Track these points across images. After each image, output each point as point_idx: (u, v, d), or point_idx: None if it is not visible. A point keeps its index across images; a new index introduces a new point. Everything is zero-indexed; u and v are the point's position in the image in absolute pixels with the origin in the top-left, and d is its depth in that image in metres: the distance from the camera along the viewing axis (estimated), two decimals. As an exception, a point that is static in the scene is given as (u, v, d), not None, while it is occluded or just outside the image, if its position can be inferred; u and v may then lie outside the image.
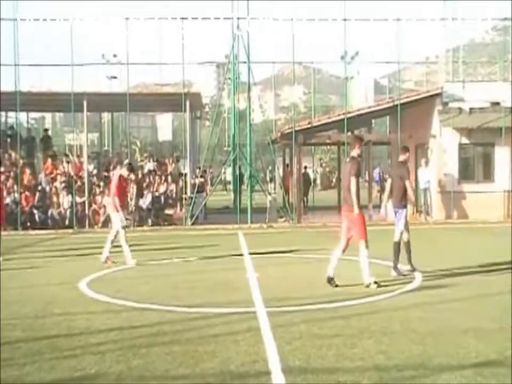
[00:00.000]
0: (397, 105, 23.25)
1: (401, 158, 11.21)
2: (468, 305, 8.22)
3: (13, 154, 23.97)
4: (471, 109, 23.44)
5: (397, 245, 10.71)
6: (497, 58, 28.24)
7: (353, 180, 9.44)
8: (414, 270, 10.58)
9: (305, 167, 35.26)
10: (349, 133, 24.27)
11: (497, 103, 23.46)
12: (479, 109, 23.43)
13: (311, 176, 36.48)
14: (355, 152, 9.78)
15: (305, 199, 29.59)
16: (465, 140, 23.15)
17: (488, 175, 22.75)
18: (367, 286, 9.42)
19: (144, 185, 23.10)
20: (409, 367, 5.58)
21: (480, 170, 23.13)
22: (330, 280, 9.58)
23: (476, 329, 6.89)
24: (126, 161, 16.18)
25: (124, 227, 12.67)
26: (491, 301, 8.46)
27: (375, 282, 9.43)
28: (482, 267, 11.14)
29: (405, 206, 10.82)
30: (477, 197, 21.57)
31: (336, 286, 9.51)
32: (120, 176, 12.88)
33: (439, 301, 8.42)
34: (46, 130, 30.31)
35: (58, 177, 23.14)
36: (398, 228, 10.75)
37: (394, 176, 11.01)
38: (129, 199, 13.74)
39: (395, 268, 10.57)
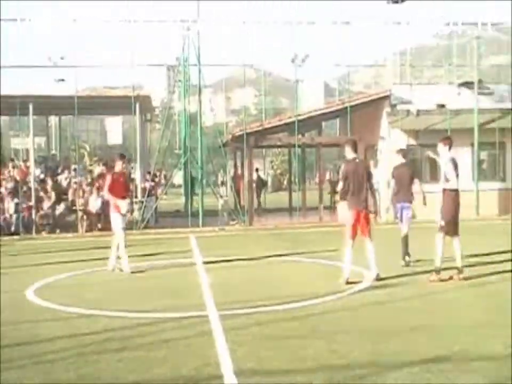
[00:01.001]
0: (346, 108, 23.56)
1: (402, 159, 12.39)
2: (416, 304, 8.37)
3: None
4: (418, 111, 23.94)
5: (406, 238, 11.92)
6: (443, 62, 28.90)
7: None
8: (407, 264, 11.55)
9: (257, 170, 35.35)
10: (300, 135, 24.48)
11: (443, 106, 24.01)
12: (426, 111, 23.94)
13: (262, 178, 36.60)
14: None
15: (258, 201, 29.69)
16: (412, 141, 23.60)
17: (434, 176, 23.18)
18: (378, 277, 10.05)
19: (94, 189, 22.82)
20: (360, 365, 5.65)
21: (427, 171, 23.61)
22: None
23: (424, 327, 7.03)
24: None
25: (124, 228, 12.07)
26: (438, 299, 8.65)
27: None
28: (431, 265, 11.35)
29: (411, 202, 12.12)
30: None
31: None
32: (113, 174, 12.29)
33: (388, 300, 8.56)
34: None
35: (4, 182, 22.63)
36: (407, 222, 12.16)
37: (401, 175, 12.17)
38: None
39: (403, 258, 11.66)
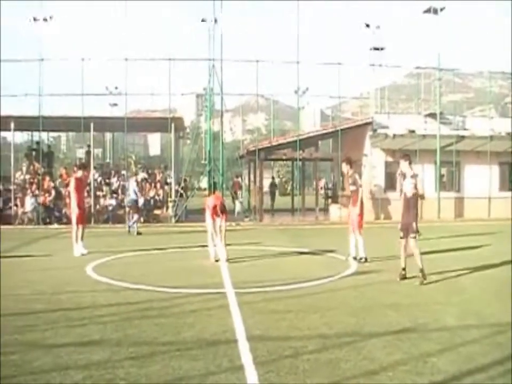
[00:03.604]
0: (338, 130, 23.54)
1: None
2: (389, 286, 8.36)
3: (36, 165, 23.70)
4: (394, 134, 23.91)
5: None
6: (413, 97, 28.89)
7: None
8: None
9: (273, 178, 35.22)
10: (301, 151, 24.48)
11: (413, 131, 24.00)
12: (400, 135, 23.92)
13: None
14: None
15: (272, 203, 29.60)
16: (389, 158, 23.57)
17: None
18: (366, 259, 10.60)
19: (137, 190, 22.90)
20: (346, 334, 5.67)
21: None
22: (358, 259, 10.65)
23: (395, 304, 7.03)
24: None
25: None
26: (407, 282, 8.61)
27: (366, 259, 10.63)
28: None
29: None
30: (398, 202, 21.87)
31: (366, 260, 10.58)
32: (216, 197, 11.81)
33: (369, 283, 8.55)
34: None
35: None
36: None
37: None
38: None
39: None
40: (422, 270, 8.56)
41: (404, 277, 8.78)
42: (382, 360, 4.82)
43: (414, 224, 8.72)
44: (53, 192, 21.90)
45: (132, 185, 18.15)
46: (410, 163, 9.12)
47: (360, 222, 10.83)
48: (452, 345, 5.27)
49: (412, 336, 5.56)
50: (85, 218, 13.16)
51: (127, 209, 19.26)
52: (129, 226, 17.56)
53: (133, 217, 17.67)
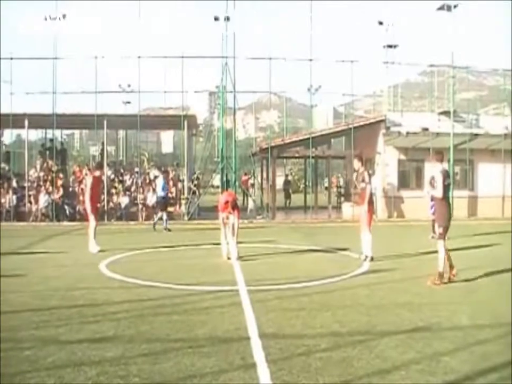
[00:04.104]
0: (350, 128, 23.44)
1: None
2: (402, 285, 8.32)
3: (50, 162, 23.91)
4: (407, 132, 23.75)
5: None
6: (426, 94, 28.67)
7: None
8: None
9: (287, 175, 35.20)
10: (313, 149, 24.43)
11: (426, 129, 23.83)
12: (413, 133, 23.76)
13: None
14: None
15: (288, 201, 29.49)
16: (402, 157, 23.41)
17: (420, 184, 22.99)
18: (372, 258, 10.47)
19: (151, 188, 23.01)
20: (358, 333, 5.65)
21: (414, 180, 23.42)
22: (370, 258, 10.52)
23: (408, 303, 7.00)
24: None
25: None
26: (419, 281, 8.55)
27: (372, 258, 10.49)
28: (415, 255, 11.27)
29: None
30: (411, 201, 21.82)
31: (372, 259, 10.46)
32: (228, 194, 11.76)
33: (381, 282, 8.51)
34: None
35: (84, 180, 22.97)
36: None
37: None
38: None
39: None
40: (439, 273, 8.38)
41: (445, 281, 8.38)
42: (394, 359, 4.81)
43: (436, 225, 8.86)
44: (61, 190, 22.05)
45: (160, 182, 18.18)
46: (440, 161, 9.02)
47: (369, 219, 10.75)
48: (465, 344, 5.24)
49: (424, 335, 5.53)
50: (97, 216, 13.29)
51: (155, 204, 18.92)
52: (154, 223, 17.80)
53: (161, 215, 17.71)
